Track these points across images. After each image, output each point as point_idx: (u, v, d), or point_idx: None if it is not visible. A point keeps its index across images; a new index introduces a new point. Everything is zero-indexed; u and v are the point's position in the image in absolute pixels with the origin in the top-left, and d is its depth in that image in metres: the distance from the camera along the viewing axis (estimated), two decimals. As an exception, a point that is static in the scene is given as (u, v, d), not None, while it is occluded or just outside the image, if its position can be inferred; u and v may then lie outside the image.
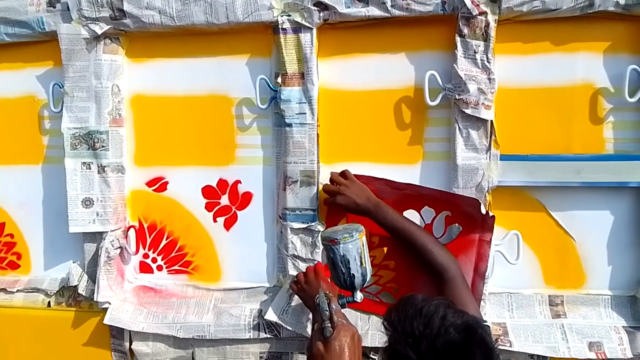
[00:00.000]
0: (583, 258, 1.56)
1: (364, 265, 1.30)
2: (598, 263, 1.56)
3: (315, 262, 1.61)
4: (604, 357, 1.49)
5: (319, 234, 1.54)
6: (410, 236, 1.46)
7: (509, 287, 1.59)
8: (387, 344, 1.11)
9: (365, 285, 1.36)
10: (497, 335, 1.52)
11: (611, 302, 1.55)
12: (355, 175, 1.55)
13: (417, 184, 1.56)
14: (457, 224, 1.52)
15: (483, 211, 1.48)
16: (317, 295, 1.25)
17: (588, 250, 1.55)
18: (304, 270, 1.57)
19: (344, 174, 1.55)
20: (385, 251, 1.58)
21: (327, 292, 1.30)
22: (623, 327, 1.52)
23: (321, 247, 1.60)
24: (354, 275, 1.29)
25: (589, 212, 1.53)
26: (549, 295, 1.58)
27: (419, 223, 1.54)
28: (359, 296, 1.33)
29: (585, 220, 1.54)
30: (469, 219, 1.51)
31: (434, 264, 1.43)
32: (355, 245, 1.29)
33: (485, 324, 1.13)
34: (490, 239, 1.49)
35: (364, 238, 1.32)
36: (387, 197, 1.54)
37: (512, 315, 1.57)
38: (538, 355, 1.53)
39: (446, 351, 1.01)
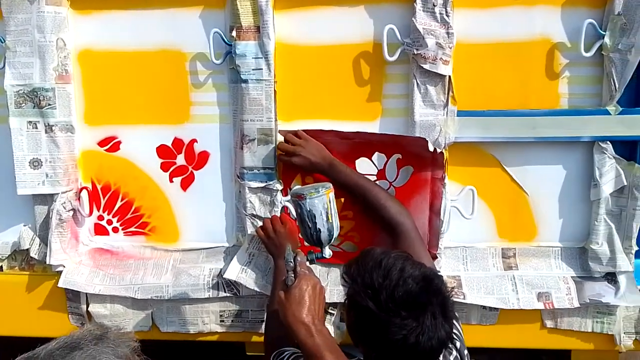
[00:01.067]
0: (535, 212, 1.60)
1: (331, 221, 1.31)
2: (550, 216, 1.60)
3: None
4: (551, 307, 1.56)
5: (290, 191, 1.54)
6: (364, 192, 1.49)
7: (464, 241, 1.63)
8: (347, 297, 1.15)
9: (332, 242, 1.37)
10: (451, 288, 1.57)
11: (561, 254, 1.62)
12: (305, 131, 1.54)
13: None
14: (409, 166, 1.55)
15: (431, 149, 1.50)
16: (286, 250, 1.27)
17: (540, 204, 1.59)
18: (270, 218, 1.57)
19: (296, 133, 1.54)
20: (342, 202, 1.59)
21: (295, 249, 1.32)
22: (572, 277, 1.59)
23: (280, 205, 1.60)
24: (319, 229, 1.31)
25: (542, 167, 1.57)
26: (502, 248, 1.63)
27: (372, 170, 1.56)
28: (327, 252, 1.34)
29: (538, 175, 1.57)
30: (420, 159, 1.53)
31: (387, 218, 1.46)
32: (322, 200, 1.30)
33: (440, 275, 1.18)
34: (443, 176, 1.53)
35: (331, 195, 1.33)
36: (337, 149, 1.55)
37: (466, 268, 1.61)
38: (491, 307, 1.59)
39: (404, 301, 1.05)
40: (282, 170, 1.59)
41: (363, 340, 1.12)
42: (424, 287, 1.08)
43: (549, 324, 1.61)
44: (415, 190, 1.55)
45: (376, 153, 1.56)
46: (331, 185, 1.37)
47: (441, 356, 1.23)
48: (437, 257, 1.56)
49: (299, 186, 1.42)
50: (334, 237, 1.35)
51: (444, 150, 1.52)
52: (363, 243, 1.59)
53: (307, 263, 1.28)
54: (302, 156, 1.52)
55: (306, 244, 1.37)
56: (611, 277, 1.57)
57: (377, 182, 1.57)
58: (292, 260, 1.21)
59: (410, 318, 1.05)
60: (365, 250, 1.17)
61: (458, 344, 1.29)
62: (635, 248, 1.55)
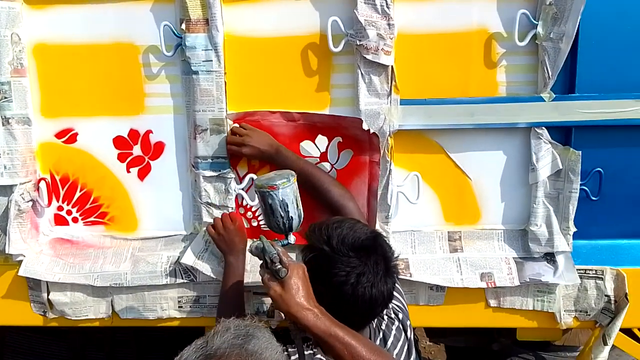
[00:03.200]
0: (478, 196, 1.67)
1: (299, 207, 1.36)
2: (492, 200, 1.67)
3: (229, 208, 1.65)
4: (493, 286, 1.63)
5: (254, 182, 1.56)
6: (309, 177, 1.55)
7: (411, 226, 1.69)
8: (305, 246, 1.29)
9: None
10: (399, 269, 1.62)
11: (504, 236, 1.69)
12: (253, 112, 1.60)
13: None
14: (349, 149, 1.61)
15: (365, 127, 1.55)
16: (257, 241, 1.28)
17: (483, 188, 1.66)
18: (220, 217, 1.62)
19: (242, 125, 1.59)
20: None
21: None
22: (513, 258, 1.66)
23: (234, 193, 1.64)
24: (292, 217, 1.34)
25: (483, 153, 1.63)
26: (448, 232, 1.69)
27: (315, 152, 1.63)
28: (292, 238, 1.38)
29: (480, 160, 1.64)
30: (358, 143, 1.60)
31: (333, 202, 1.54)
32: (292, 189, 1.34)
33: None
34: (379, 160, 1.59)
35: (296, 182, 1.38)
36: (283, 132, 1.61)
37: (414, 251, 1.68)
38: (437, 286, 1.66)
39: (353, 244, 1.23)
40: (231, 161, 1.63)
41: (313, 281, 1.20)
42: (371, 238, 1.26)
43: (493, 303, 1.68)
44: (354, 172, 1.62)
45: (319, 136, 1.62)
46: (294, 172, 1.42)
47: (384, 324, 1.32)
48: None
49: (262, 177, 1.41)
50: (301, 222, 1.39)
51: (388, 138, 1.57)
52: (306, 224, 1.62)
53: None
54: (250, 146, 1.57)
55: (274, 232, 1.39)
56: (550, 258, 1.64)
57: (319, 164, 1.63)
58: (275, 252, 1.21)
59: (355, 258, 1.21)
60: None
61: (401, 315, 1.38)
62: (573, 229, 1.61)
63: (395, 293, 1.33)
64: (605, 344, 1.66)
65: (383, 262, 1.23)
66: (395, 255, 1.29)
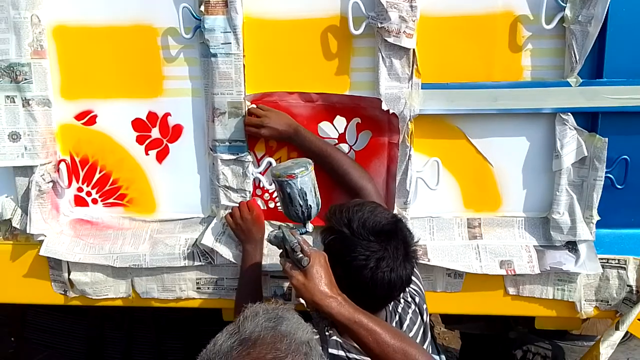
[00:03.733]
0: (499, 182, 1.64)
1: (317, 195, 1.36)
2: (513, 187, 1.64)
3: (246, 192, 1.65)
4: (513, 273, 1.61)
5: (271, 171, 1.55)
6: (328, 158, 1.55)
7: (430, 212, 1.67)
8: (326, 227, 1.29)
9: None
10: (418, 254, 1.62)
11: (524, 224, 1.66)
12: (271, 93, 1.59)
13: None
14: (368, 130, 1.60)
15: (385, 108, 1.53)
16: (276, 230, 1.29)
17: (505, 175, 1.63)
18: (238, 205, 1.63)
19: (260, 107, 1.58)
20: None
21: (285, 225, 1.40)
22: (534, 246, 1.64)
23: (252, 176, 1.64)
24: (310, 206, 1.34)
25: (506, 139, 1.60)
26: (468, 218, 1.67)
27: (333, 133, 1.62)
28: (310, 226, 1.38)
29: (502, 147, 1.60)
30: (377, 124, 1.58)
31: (351, 184, 1.53)
32: (310, 177, 1.34)
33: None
34: (398, 141, 1.57)
35: (313, 170, 1.37)
36: (301, 112, 1.60)
37: (432, 237, 1.66)
38: (455, 273, 1.65)
39: (373, 228, 1.23)
40: (249, 143, 1.62)
41: (333, 264, 1.21)
42: (392, 222, 1.27)
43: (512, 291, 1.67)
44: (373, 154, 1.60)
45: (337, 117, 1.60)
46: (311, 157, 1.43)
47: (400, 308, 1.32)
48: None
49: (279, 165, 1.41)
50: (319, 210, 1.39)
51: (409, 123, 1.55)
52: (323, 205, 1.60)
53: None
54: (269, 127, 1.56)
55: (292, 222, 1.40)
56: (572, 246, 1.62)
57: (338, 145, 1.61)
58: (296, 241, 1.21)
59: (375, 242, 1.22)
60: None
61: (417, 299, 1.38)
62: (597, 218, 1.58)
63: (413, 277, 1.33)
64: (617, 329, 1.63)
65: (403, 247, 1.24)
66: (415, 240, 1.29)
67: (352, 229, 1.23)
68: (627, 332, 1.85)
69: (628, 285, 1.63)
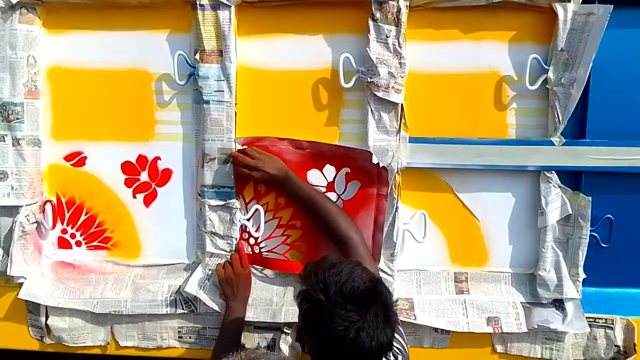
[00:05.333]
0: (486, 237, 1.64)
1: None
2: (500, 242, 1.64)
3: (233, 239, 1.64)
4: (500, 331, 1.58)
5: None
6: (316, 205, 1.55)
7: (417, 265, 1.66)
8: (300, 292, 1.23)
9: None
10: (404, 310, 1.59)
11: (511, 280, 1.65)
12: (262, 138, 1.60)
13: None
14: (356, 180, 1.60)
15: (375, 161, 1.55)
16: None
17: (491, 230, 1.64)
18: (230, 258, 1.63)
19: (254, 150, 1.59)
20: (291, 212, 1.64)
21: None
22: (521, 302, 1.62)
23: (239, 223, 1.64)
24: None
25: (492, 194, 1.61)
26: (455, 272, 1.66)
27: (322, 182, 1.62)
28: None
29: (488, 202, 1.62)
30: (367, 175, 1.59)
31: (337, 232, 1.52)
32: None
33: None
34: (386, 193, 1.58)
35: None
36: (291, 159, 1.61)
37: (419, 291, 1.64)
38: (443, 330, 1.62)
39: (351, 295, 1.17)
40: (236, 181, 1.62)
41: (310, 332, 1.19)
42: (370, 287, 1.19)
43: (500, 348, 1.64)
44: (361, 204, 1.60)
45: (327, 165, 1.61)
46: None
47: None
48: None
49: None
50: None
51: (396, 175, 1.56)
52: (309, 252, 1.63)
53: None
54: (262, 170, 1.56)
55: None
56: (559, 304, 1.60)
57: (326, 193, 1.62)
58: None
59: (354, 311, 1.15)
60: (322, 256, 1.29)
61: (400, 358, 1.33)
62: (583, 275, 1.58)
63: (396, 335, 1.29)
64: None
65: (383, 313, 1.18)
66: (395, 300, 1.26)
67: (329, 295, 1.16)
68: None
69: (616, 346, 1.61)
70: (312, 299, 1.19)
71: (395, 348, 1.35)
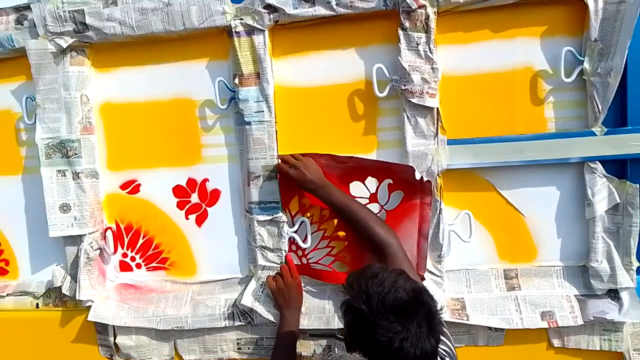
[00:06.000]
0: (533, 232, 1.64)
1: None
2: (548, 236, 1.63)
3: (282, 251, 1.70)
4: (555, 326, 1.57)
5: None
6: (353, 214, 1.58)
7: (465, 264, 1.68)
8: (344, 302, 1.24)
9: None
10: (456, 310, 1.61)
11: (563, 273, 1.64)
12: (302, 154, 1.65)
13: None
14: (399, 190, 1.62)
15: (418, 177, 1.57)
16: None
17: (538, 224, 1.63)
18: (280, 269, 1.70)
19: (300, 155, 1.65)
20: (335, 223, 1.68)
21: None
22: (575, 295, 1.61)
23: (287, 236, 1.69)
24: None
25: (535, 189, 1.61)
26: (504, 270, 1.66)
27: (364, 193, 1.65)
28: None
29: (532, 197, 1.61)
30: (409, 185, 1.61)
31: (375, 240, 1.54)
32: None
33: (429, 292, 1.25)
34: (430, 202, 1.59)
35: None
36: (332, 172, 1.64)
37: (470, 290, 1.65)
38: (497, 328, 1.62)
39: (393, 306, 1.16)
40: (280, 189, 1.67)
41: (355, 342, 1.21)
42: (413, 297, 1.18)
43: (556, 343, 1.62)
44: (405, 214, 1.63)
45: (368, 177, 1.65)
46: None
47: None
48: (424, 279, 1.62)
49: None
50: None
51: (437, 178, 1.59)
52: (353, 263, 1.67)
53: None
54: (299, 170, 1.61)
55: None
56: (614, 294, 1.58)
57: (369, 205, 1.65)
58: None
59: (396, 322, 1.15)
60: (365, 265, 1.29)
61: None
62: (636, 264, 1.56)
63: (442, 338, 1.29)
64: None
65: (426, 322, 1.17)
66: (440, 308, 1.24)
67: (371, 306, 1.16)
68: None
69: (677, 333, 1.58)
70: (354, 310, 1.19)
71: (442, 351, 1.36)
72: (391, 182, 1.63)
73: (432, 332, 1.17)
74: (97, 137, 1.80)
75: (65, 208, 1.78)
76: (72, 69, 1.74)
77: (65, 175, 1.77)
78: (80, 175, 1.77)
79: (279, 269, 1.71)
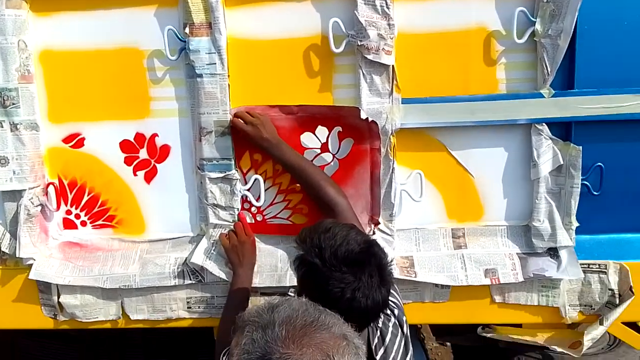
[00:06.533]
0: (481, 193, 1.68)
1: None
2: (495, 197, 1.69)
3: (234, 209, 1.67)
4: (497, 282, 1.64)
5: None
6: (304, 172, 1.59)
7: (416, 223, 1.71)
8: (297, 256, 1.27)
9: None
10: (404, 268, 1.65)
11: (507, 232, 1.70)
12: (253, 107, 1.62)
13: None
14: (349, 138, 1.63)
15: (363, 116, 1.57)
16: None
17: (486, 185, 1.68)
18: (234, 228, 1.67)
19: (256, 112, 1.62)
20: (290, 176, 1.67)
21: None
22: (517, 253, 1.68)
23: (240, 194, 1.67)
24: None
25: (485, 150, 1.65)
26: (452, 229, 1.71)
27: (316, 143, 1.66)
28: None
29: (482, 158, 1.65)
30: (358, 131, 1.62)
31: (325, 199, 1.56)
32: None
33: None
34: (379, 147, 1.60)
35: None
36: (284, 125, 1.63)
37: (419, 249, 1.70)
38: (443, 285, 1.67)
39: (345, 258, 1.20)
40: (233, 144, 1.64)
41: (308, 294, 1.20)
42: (364, 249, 1.23)
43: (498, 299, 1.70)
44: (356, 161, 1.64)
45: (318, 126, 1.64)
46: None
47: (380, 322, 1.34)
48: (378, 223, 1.66)
49: None
50: None
51: (390, 137, 1.59)
52: (311, 214, 1.67)
53: None
54: (257, 127, 1.59)
55: None
56: (553, 253, 1.66)
57: (322, 154, 1.66)
58: None
59: (349, 273, 1.18)
60: (318, 221, 1.32)
61: (397, 312, 1.40)
62: (576, 224, 1.63)
63: (391, 291, 1.33)
64: (601, 324, 1.66)
65: (377, 273, 1.21)
66: (390, 260, 1.29)
67: (324, 259, 1.19)
68: (616, 339, 1.89)
69: (610, 289, 1.67)
70: (308, 263, 1.23)
71: (390, 302, 1.40)
72: (340, 129, 1.63)
73: (383, 283, 1.21)
74: (37, 86, 1.69)
75: (2, 161, 1.67)
76: (9, 12, 1.61)
77: (2, 127, 1.66)
78: (18, 126, 1.66)
79: (232, 227, 1.69)
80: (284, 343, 0.82)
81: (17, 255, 1.71)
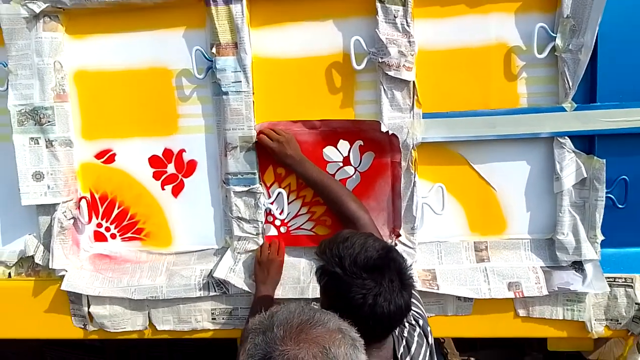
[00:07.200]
0: (504, 206, 1.68)
1: None
2: (517, 210, 1.68)
3: (259, 222, 1.71)
4: (521, 296, 1.63)
5: None
6: (326, 188, 1.63)
7: (437, 237, 1.72)
8: (318, 267, 1.30)
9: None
10: (427, 280, 1.65)
11: (530, 245, 1.69)
12: (276, 122, 1.67)
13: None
14: (370, 151, 1.66)
15: (384, 129, 1.60)
16: None
17: (508, 198, 1.68)
18: (270, 243, 1.72)
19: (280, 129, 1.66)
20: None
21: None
22: (541, 267, 1.67)
23: (264, 207, 1.71)
24: None
25: (507, 163, 1.66)
26: (474, 242, 1.71)
27: (337, 157, 1.69)
28: None
29: (504, 171, 1.66)
30: (379, 145, 1.65)
31: (347, 213, 1.59)
32: None
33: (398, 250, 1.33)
34: (400, 160, 1.63)
35: None
36: (306, 140, 1.67)
37: (440, 262, 1.70)
38: (465, 298, 1.67)
39: (365, 265, 1.23)
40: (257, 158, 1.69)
41: (332, 304, 1.24)
42: (383, 255, 1.25)
43: (522, 312, 1.69)
44: (377, 174, 1.67)
45: (340, 141, 1.67)
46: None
47: (406, 332, 1.35)
48: (399, 235, 1.68)
49: None
50: None
51: (412, 151, 1.61)
52: (334, 225, 1.70)
53: None
54: (282, 144, 1.63)
55: None
56: (578, 266, 1.64)
57: (344, 167, 1.69)
58: None
59: (369, 279, 1.21)
60: (337, 232, 1.36)
61: (421, 322, 1.40)
62: (601, 237, 1.62)
63: (413, 300, 1.34)
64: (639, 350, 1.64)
65: (398, 277, 1.23)
66: (410, 265, 1.31)
67: (344, 267, 1.22)
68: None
69: (636, 303, 1.65)
70: (329, 273, 1.25)
71: (414, 312, 1.41)
72: (362, 143, 1.67)
73: (404, 287, 1.23)
74: (71, 105, 1.76)
75: (38, 176, 1.75)
76: (45, 34, 1.70)
77: (38, 143, 1.74)
78: (53, 143, 1.74)
79: (256, 240, 1.72)
80: (282, 342, 0.89)
81: (50, 267, 1.77)
